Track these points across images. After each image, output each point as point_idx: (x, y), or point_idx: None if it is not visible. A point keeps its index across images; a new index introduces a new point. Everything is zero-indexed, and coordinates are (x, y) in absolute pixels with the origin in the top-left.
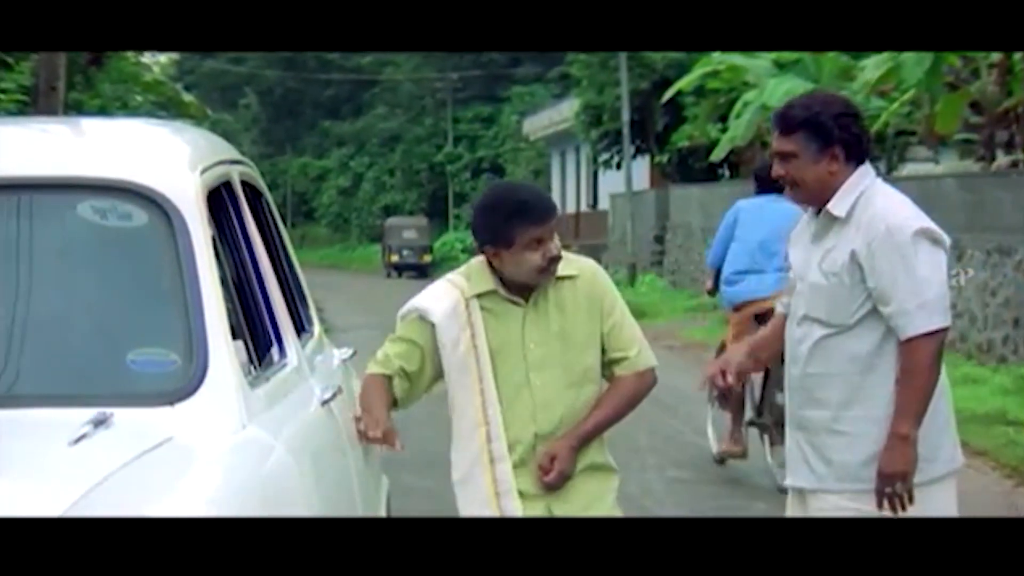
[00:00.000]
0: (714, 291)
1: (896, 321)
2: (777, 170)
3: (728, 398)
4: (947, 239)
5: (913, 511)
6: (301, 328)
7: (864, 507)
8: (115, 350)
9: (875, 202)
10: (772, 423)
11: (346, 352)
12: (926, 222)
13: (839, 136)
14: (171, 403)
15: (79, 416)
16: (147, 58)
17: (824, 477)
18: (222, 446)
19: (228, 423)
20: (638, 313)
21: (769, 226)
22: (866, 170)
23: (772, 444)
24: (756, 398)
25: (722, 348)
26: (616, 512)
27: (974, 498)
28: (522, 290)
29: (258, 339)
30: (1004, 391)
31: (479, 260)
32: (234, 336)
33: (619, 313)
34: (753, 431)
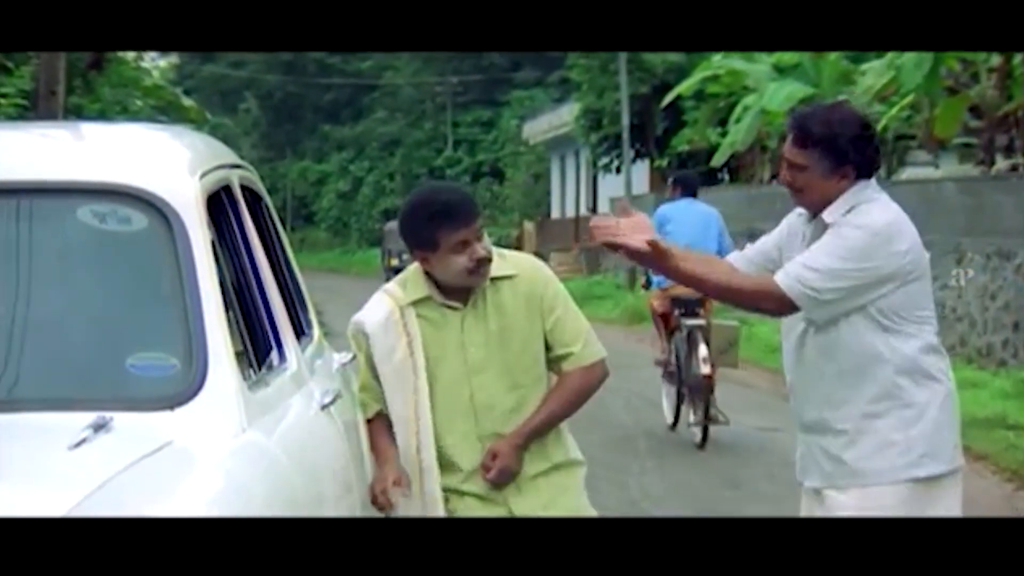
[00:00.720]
0: (648, 286)
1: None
2: (784, 177)
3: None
4: (918, 250)
5: (917, 508)
6: (301, 332)
7: (876, 502)
8: (115, 354)
9: (861, 211)
10: (688, 388)
11: (346, 356)
12: (891, 226)
13: (853, 158)
14: (171, 407)
15: (79, 420)
16: (147, 62)
17: (831, 475)
18: (222, 450)
19: (228, 427)
20: (637, 318)
21: (694, 227)
22: (867, 182)
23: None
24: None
25: (654, 316)
26: (583, 502)
27: (974, 502)
28: (459, 293)
29: (258, 343)
30: (1004, 395)
31: (415, 267)
32: (233, 340)
33: (562, 308)
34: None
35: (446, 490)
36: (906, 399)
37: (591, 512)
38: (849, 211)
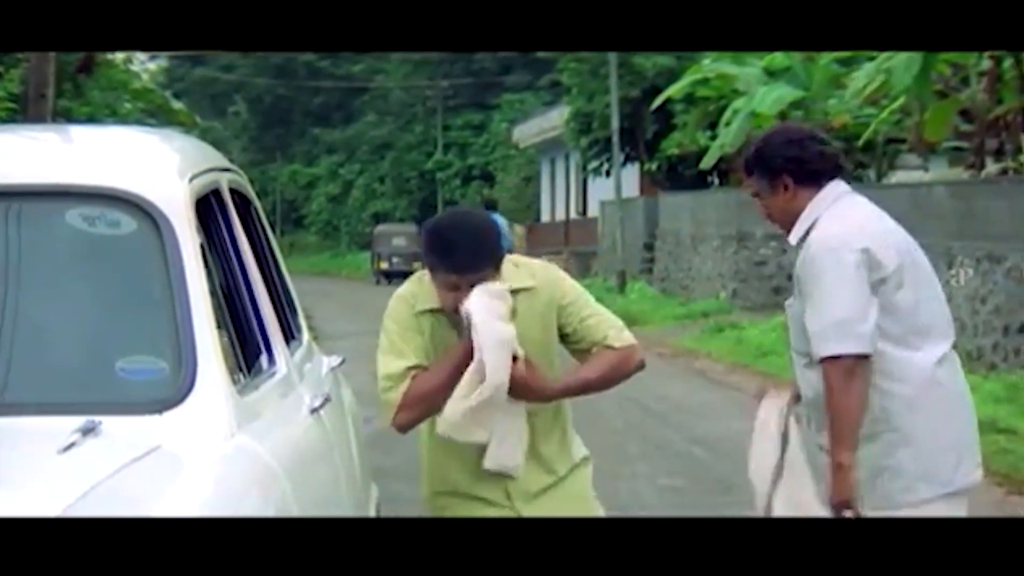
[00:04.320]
0: None
1: (812, 342)
2: (757, 208)
3: None
4: (878, 250)
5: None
6: (290, 336)
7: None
8: (104, 358)
9: (820, 226)
10: None
11: (335, 360)
12: (848, 238)
13: (781, 165)
14: (160, 411)
15: (68, 424)
16: (136, 65)
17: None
18: (211, 454)
19: (217, 431)
20: (628, 320)
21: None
22: (824, 194)
23: None
24: None
25: None
26: (590, 505)
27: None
28: None
29: (247, 347)
30: (995, 399)
31: (429, 274)
32: (223, 344)
33: (587, 309)
34: None
35: (454, 494)
36: (892, 423)
37: (599, 511)
38: (811, 228)
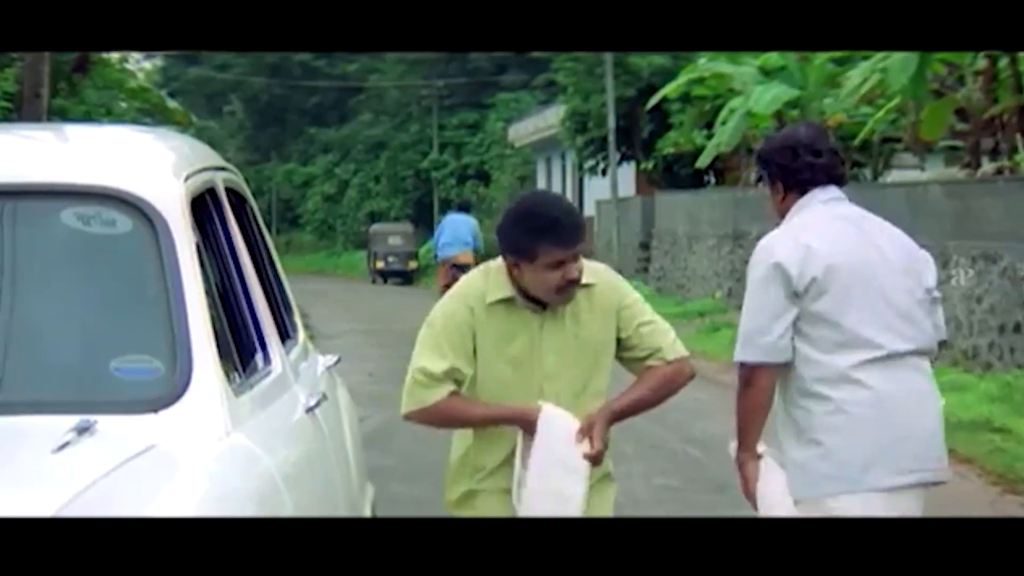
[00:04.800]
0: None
1: None
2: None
3: None
4: (791, 265)
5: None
6: (286, 335)
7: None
8: (99, 357)
9: (768, 234)
10: None
11: (331, 359)
12: (768, 253)
13: (774, 171)
14: (155, 410)
15: (63, 423)
16: (132, 64)
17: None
18: (206, 453)
19: (212, 430)
20: None
21: (460, 227)
22: (801, 202)
23: None
24: None
25: (440, 288)
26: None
27: (960, 505)
28: (538, 299)
29: (242, 346)
30: (990, 398)
31: (499, 265)
32: (218, 343)
33: (644, 314)
34: None
35: (480, 491)
36: (811, 422)
37: None
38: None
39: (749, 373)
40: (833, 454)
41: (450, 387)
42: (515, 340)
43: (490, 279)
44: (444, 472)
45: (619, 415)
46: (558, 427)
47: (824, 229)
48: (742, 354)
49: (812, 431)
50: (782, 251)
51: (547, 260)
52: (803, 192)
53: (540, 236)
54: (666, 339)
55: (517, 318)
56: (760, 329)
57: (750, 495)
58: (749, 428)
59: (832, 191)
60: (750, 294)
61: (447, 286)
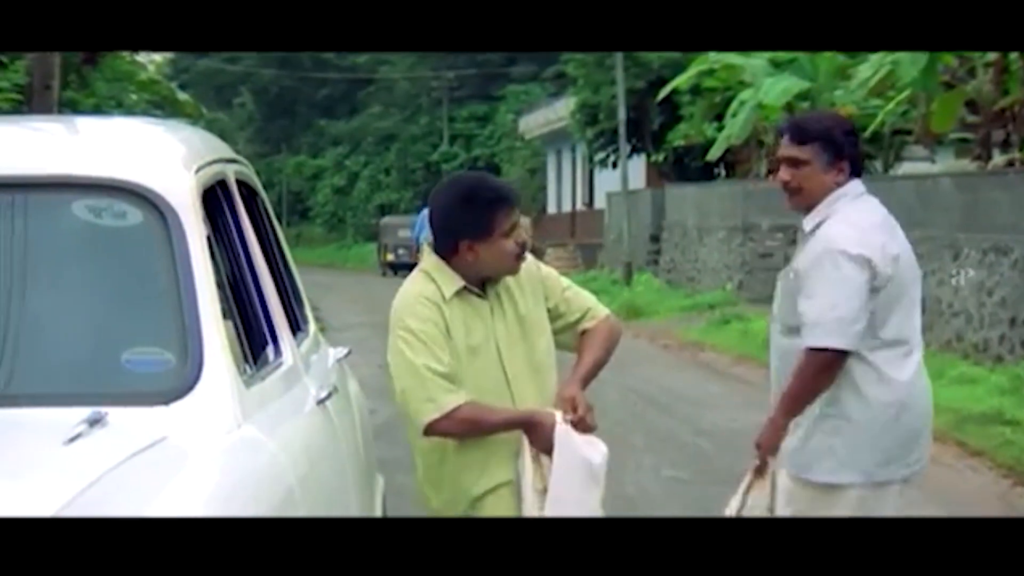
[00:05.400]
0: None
1: (803, 330)
2: (783, 176)
3: None
4: (878, 262)
5: (800, 507)
6: (296, 327)
7: (802, 493)
8: (110, 349)
9: (832, 223)
10: None
11: (341, 351)
12: (855, 244)
13: (848, 152)
14: (166, 402)
15: (74, 415)
16: (142, 57)
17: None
18: (217, 446)
19: (223, 423)
20: (634, 312)
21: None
22: (845, 190)
23: None
24: None
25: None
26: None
27: (971, 497)
28: (480, 286)
29: (253, 339)
30: (1001, 390)
31: (435, 262)
32: (229, 336)
33: (561, 280)
34: None
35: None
36: (843, 412)
37: None
38: (824, 220)
39: (832, 359)
40: (858, 447)
41: (463, 391)
42: (474, 330)
43: (436, 277)
44: (418, 489)
45: (586, 380)
46: (574, 437)
47: (883, 224)
48: (829, 340)
49: (844, 420)
50: (866, 245)
51: (504, 228)
52: (858, 175)
53: (493, 207)
54: (591, 300)
55: (471, 308)
56: (852, 318)
57: (770, 450)
58: (803, 407)
59: (861, 183)
60: (832, 282)
61: None
